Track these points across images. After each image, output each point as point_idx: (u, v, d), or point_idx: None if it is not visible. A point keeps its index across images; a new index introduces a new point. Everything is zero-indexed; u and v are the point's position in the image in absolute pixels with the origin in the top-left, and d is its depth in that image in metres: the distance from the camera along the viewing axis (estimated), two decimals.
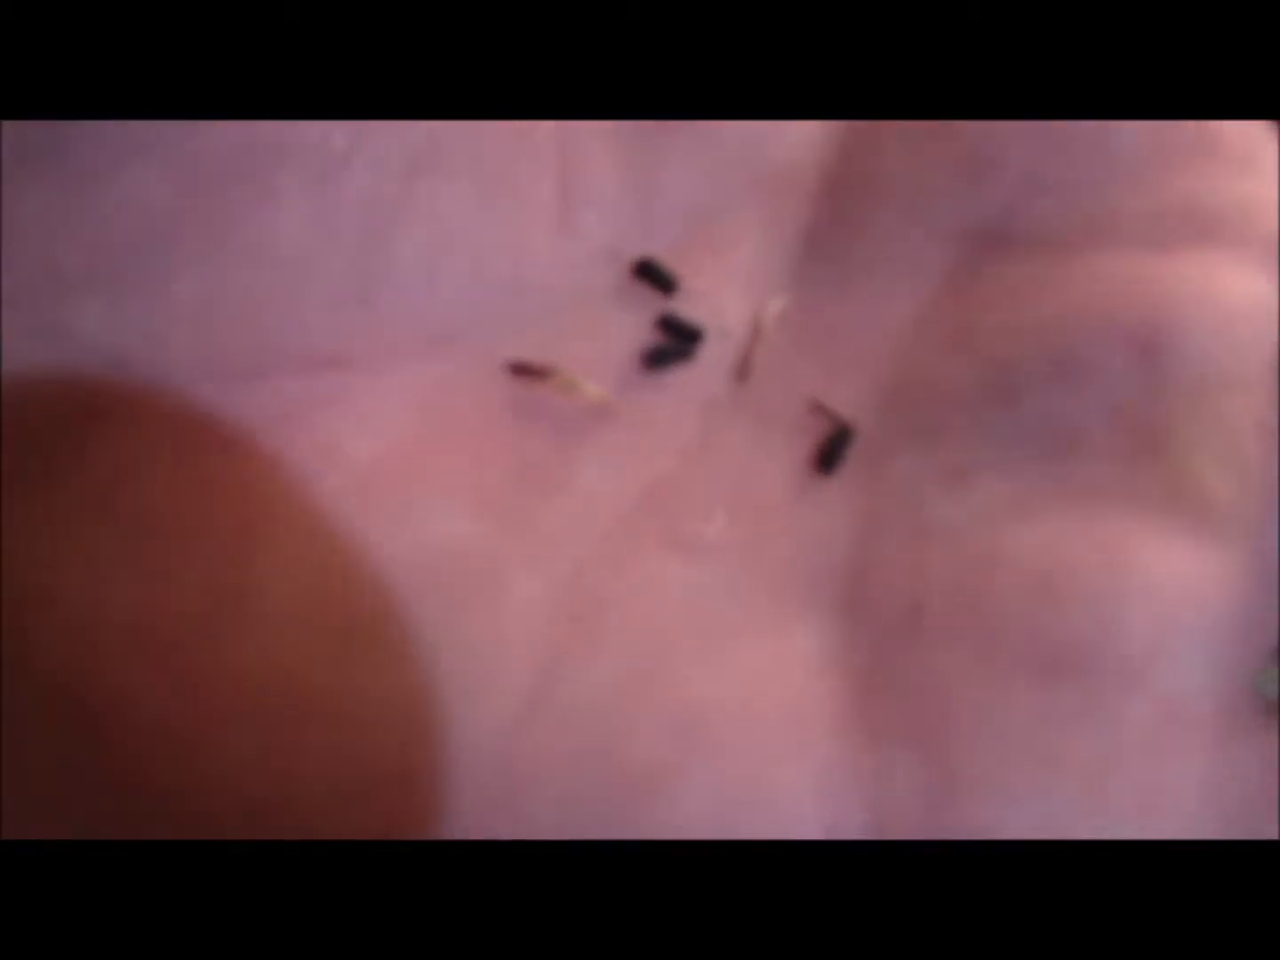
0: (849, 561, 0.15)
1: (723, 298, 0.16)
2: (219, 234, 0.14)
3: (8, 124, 0.14)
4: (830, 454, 0.15)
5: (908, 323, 0.16)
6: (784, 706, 0.14)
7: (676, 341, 0.16)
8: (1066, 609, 0.14)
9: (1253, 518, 0.14)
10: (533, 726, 0.14)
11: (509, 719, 0.14)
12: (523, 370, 0.15)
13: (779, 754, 0.14)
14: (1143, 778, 0.14)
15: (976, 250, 0.16)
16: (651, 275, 0.16)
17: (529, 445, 0.15)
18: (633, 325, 0.16)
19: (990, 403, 0.15)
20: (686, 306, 0.16)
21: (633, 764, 0.14)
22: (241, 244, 0.14)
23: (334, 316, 0.15)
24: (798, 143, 0.16)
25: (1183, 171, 0.15)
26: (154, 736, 0.14)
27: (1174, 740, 0.14)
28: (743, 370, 0.16)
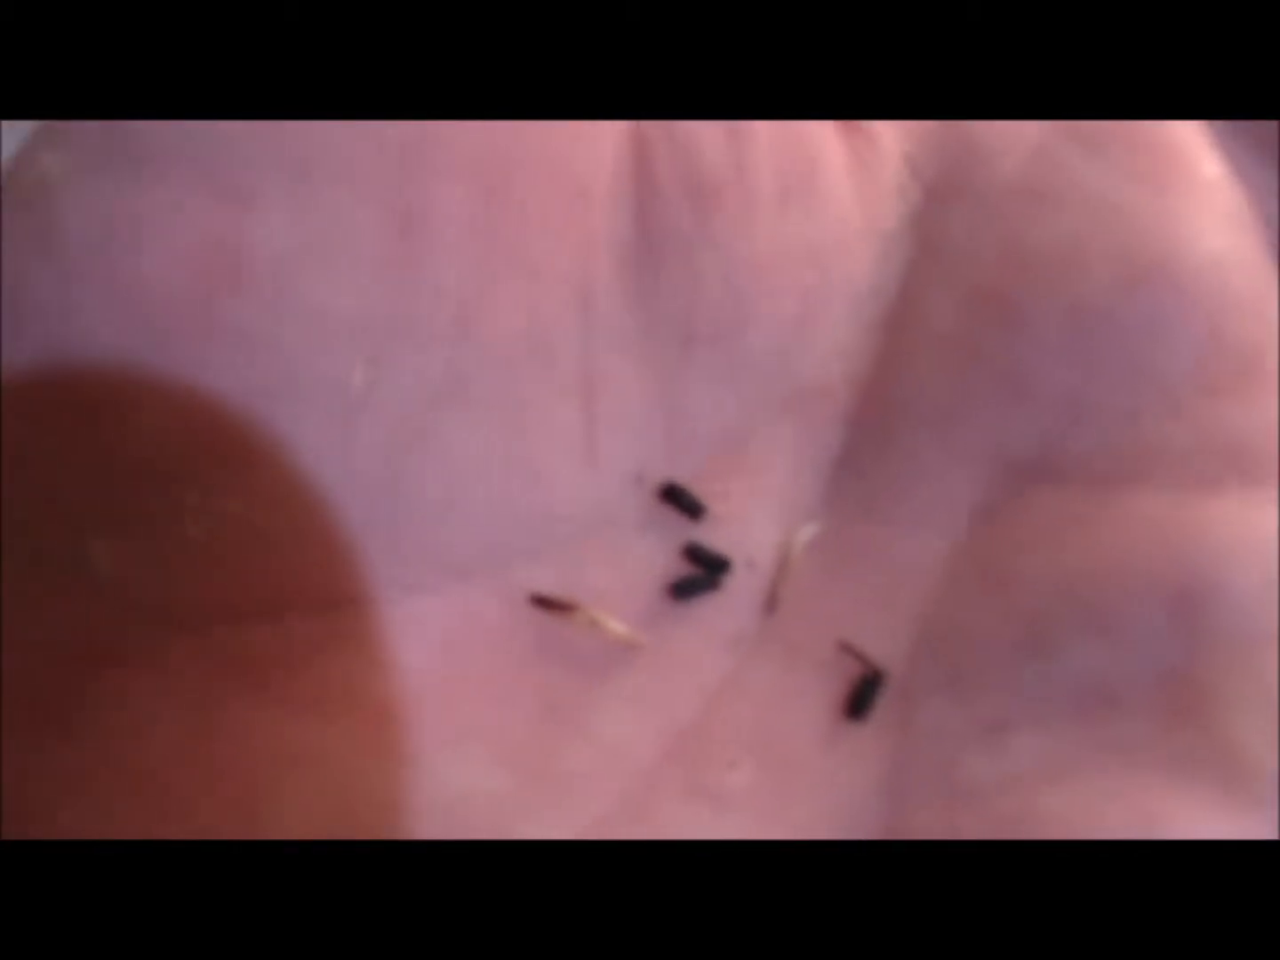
0: (878, 819, 0.14)
1: (751, 524, 0.16)
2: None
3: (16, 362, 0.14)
4: (861, 699, 0.15)
5: (941, 556, 0.15)
6: None
7: (703, 571, 0.15)
8: None
9: None
10: None
11: None
12: (546, 604, 0.15)
13: None
14: None
15: (1011, 480, 0.15)
16: (678, 500, 0.16)
17: (552, 686, 0.15)
18: (659, 553, 0.16)
19: (1025, 655, 0.15)
20: (713, 533, 0.16)
21: None
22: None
23: (353, 553, 0.15)
24: (828, 358, 0.16)
25: (1225, 400, 0.15)
26: None
27: None
28: (771, 602, 0.16)
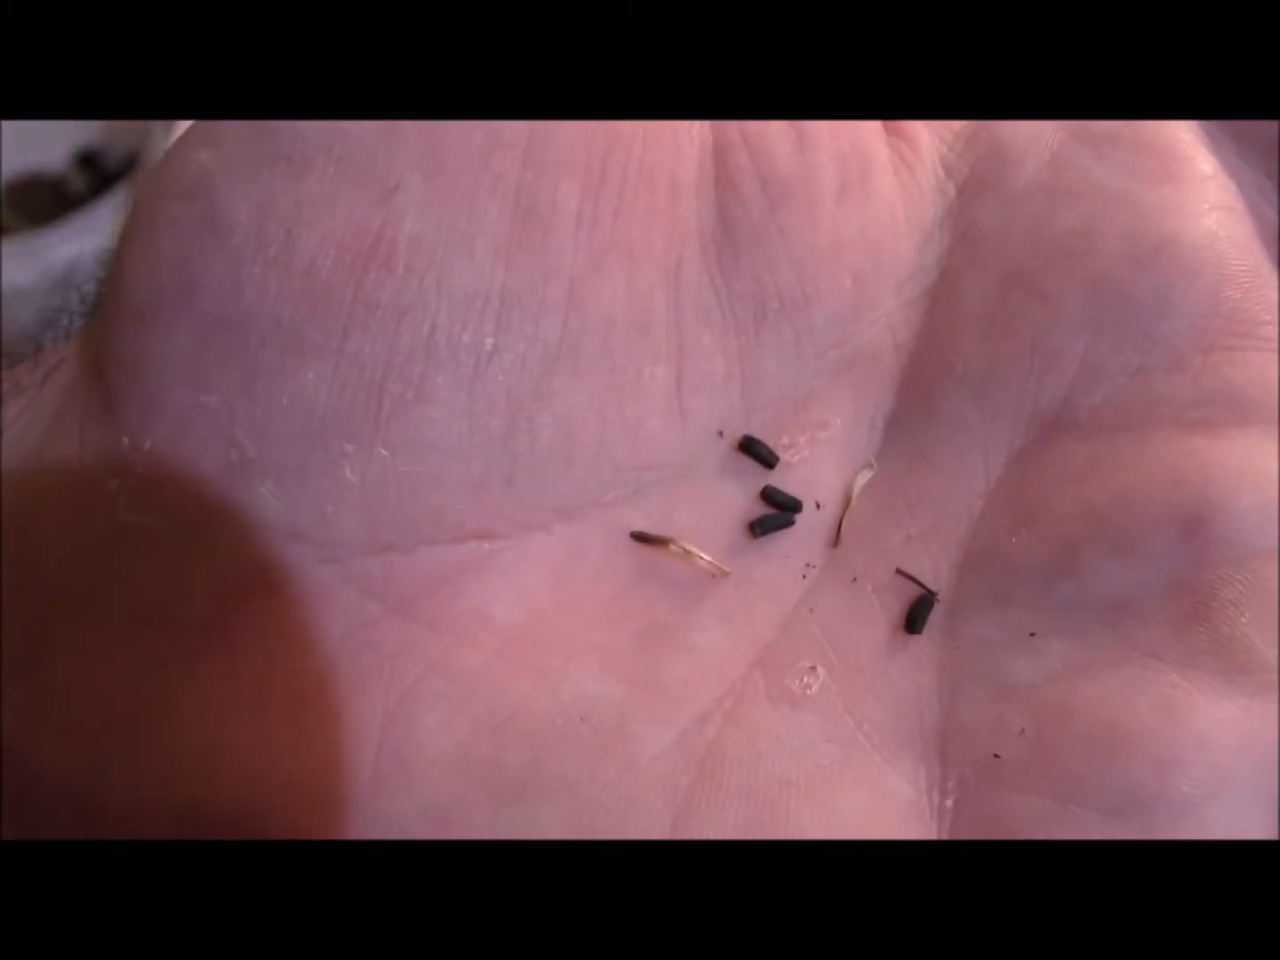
0: (936, 715, 0.17)
1: (817, 471, 0.18)
2: (380, 426, 0.16)
3: (181, 325, 0.16)
4: (916, 616, 0.17)
5: (979, 495, 0.18)
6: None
7: (777, 511, 0.18)
8: (1129, 757, 0.16)
9: None
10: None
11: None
12: (644, 539, 0.17)
13: None
14: None
15: (1038, 431, 0.18)
16: (754, 451, 0.18)
17: (651, 609, 0.17)
18: (739, 496, 0.18)
19: (1055, 574, 0.17)
20: (785, 479, 0.18)
21: None
22: (399, 434, 0.16)
23: (479, 495, 0.17)
24: (879, 329, 0.18)
25: (1222, 356, 0.17)
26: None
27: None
28: (836, 537, 0.18)
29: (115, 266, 0.17)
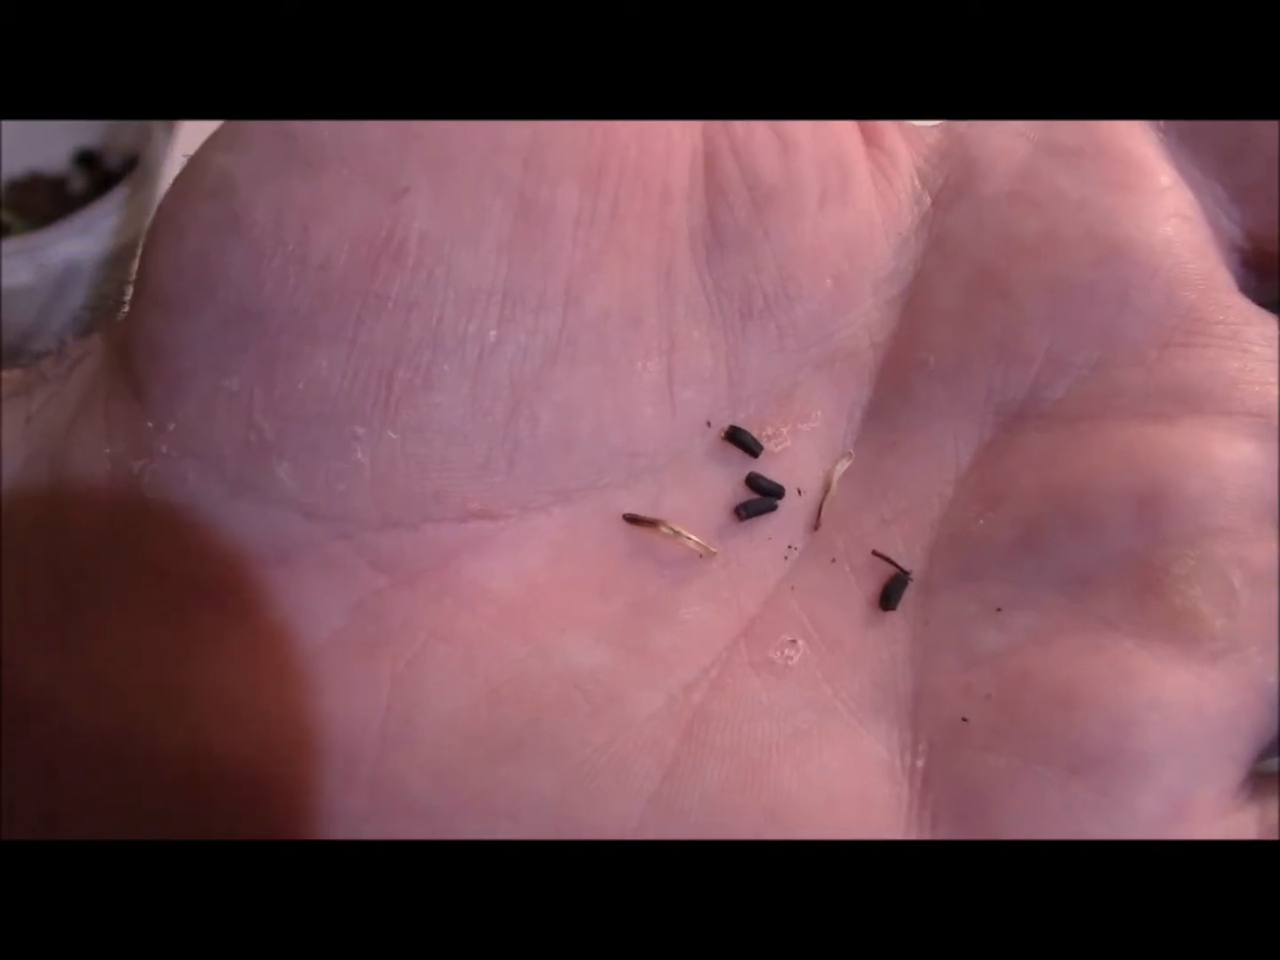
0: (908, 683, 0.18)
1: (799, 459, 0.19)
2: (389, 411, 0.17)
3: (204, 314, 0.17)
4: (890, 594, 0.18)
5: (949, 482, 0.19)
6: (858, 800, 0.17)
7: (761, 497, 0.19)
8: (1088, 718, 0.17)
9: (1240, 641, 0.17)
10: (656, 822, 0.17)
11: (635, 819, 0.17)
12: (636, 520, 0.18)
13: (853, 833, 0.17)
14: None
15: (1005, 421, 0.19)
16: (740, 440, 0.19)
17: (642, 585, 0.18)
18: (725, 482, 0.19)
19: (1020, 551, 0.18)
20: (769, 466, 0.19)
21: None
22: (407, 418, 0.17)
23: (483, 476, 0.18)
24: (858, 327, 0.20)
25: (1176, 351, 0.18)
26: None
27: (1177, 826, 0.17)
28: (816, 520, 0.19)
29: (143, 263, 0.18)
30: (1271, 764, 0.18)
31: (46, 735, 0.17)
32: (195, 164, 0.18)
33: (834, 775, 0.17)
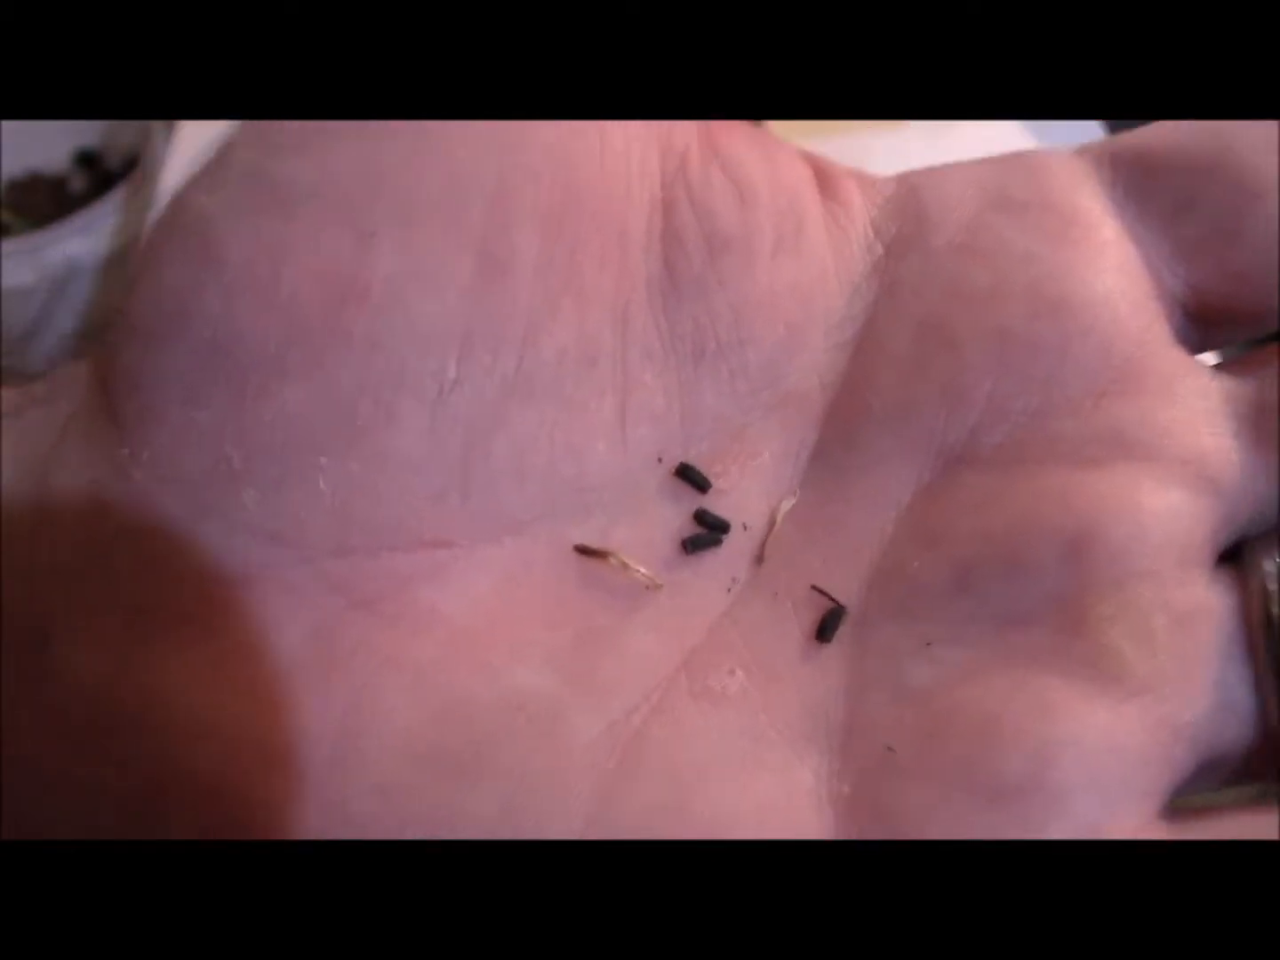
0: (841, 713, 0.19)
1: (746, 496, 0.20)
2: (352, 442, 0.18)
3: (178, 347, 0.18)
4: (827, 626, 0.19)
5: (889, 521, 0.20)
6: (788, 827, 0.18)
7: (708, 531, 0.20)
8: (1009, 752, 0.18)
9: (1158, 681, 0.18)
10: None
11: (574, 835, 0.17)
12: (586, 552, 0.19)
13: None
14: None
15: (946, 465, 0.20)
16: (689, 477, 0.20)
17: (590, 614, 0.19)
18: (674, 516, 0.20)
19: (953, 590, 0.19)
20: (717, 503, 0.20)
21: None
22: (368, 450, 0.18)
23: (438, 507, 0.19)
24: (808, 371, 0.20)
25: (1112, 401, 0.19)
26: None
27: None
28: (760, 556, 0.20)
29: (127, 297, 0.19)
30: (1191, 799, 0.19)
31: (14, 768, 0.18)
32: (176, 204, 0.19)
33: (763, 800, 0.18)
